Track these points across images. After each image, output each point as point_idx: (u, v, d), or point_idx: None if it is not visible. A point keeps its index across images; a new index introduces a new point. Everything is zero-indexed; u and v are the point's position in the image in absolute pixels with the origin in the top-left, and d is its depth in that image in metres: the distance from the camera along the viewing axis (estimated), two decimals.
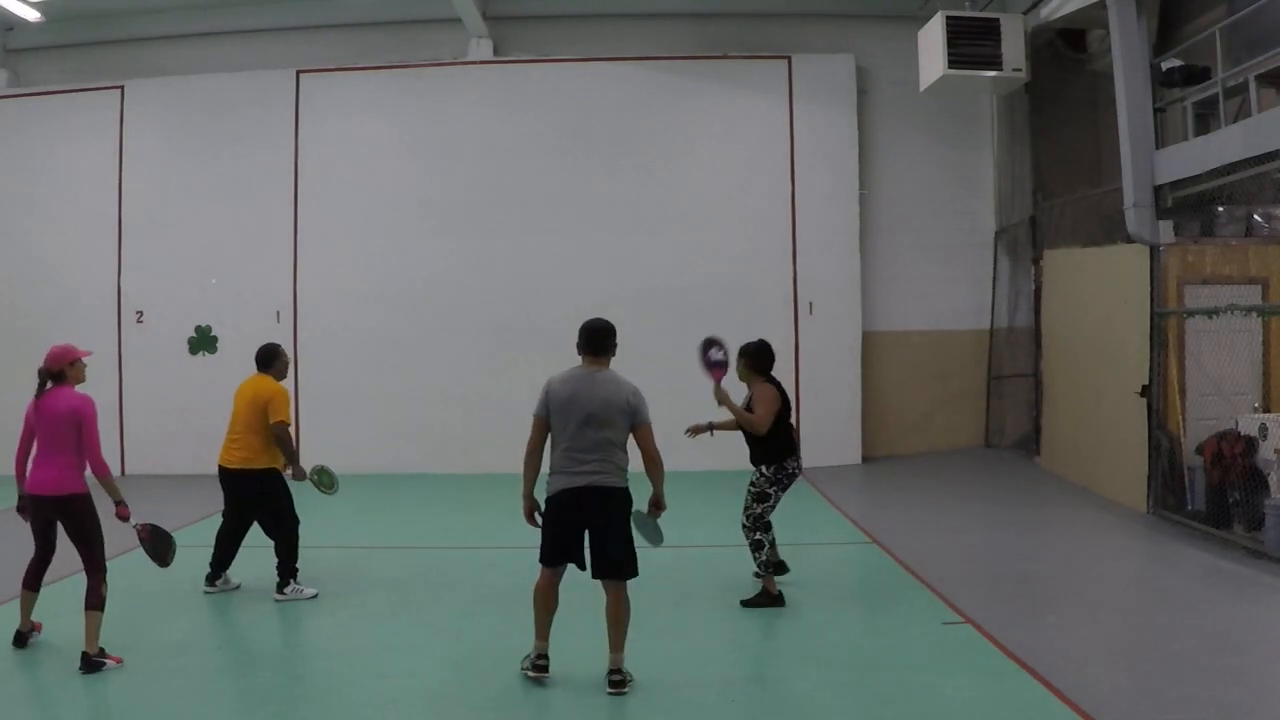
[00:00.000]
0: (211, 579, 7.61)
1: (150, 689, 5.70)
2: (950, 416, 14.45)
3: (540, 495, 5.72)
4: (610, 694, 5.52)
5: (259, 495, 7.47)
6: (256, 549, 7.70)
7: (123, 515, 6.20)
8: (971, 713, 5.24)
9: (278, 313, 13.93)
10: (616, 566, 5.57)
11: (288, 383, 13.73)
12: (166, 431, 13.71)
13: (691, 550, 8.14)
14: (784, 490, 7.30)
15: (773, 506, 7.28)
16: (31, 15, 13.20)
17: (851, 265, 13.95)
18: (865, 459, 13.83)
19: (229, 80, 14.15)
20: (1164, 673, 5.78)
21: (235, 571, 7.72)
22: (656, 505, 5.83)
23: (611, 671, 5.58)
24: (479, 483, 12.33)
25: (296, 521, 7.57)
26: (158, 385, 13.87)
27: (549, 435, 5.62)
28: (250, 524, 7.61)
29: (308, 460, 7.83)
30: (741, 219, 13.83)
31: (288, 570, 7.45)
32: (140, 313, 14.06)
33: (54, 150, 14.19)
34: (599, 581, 5.66)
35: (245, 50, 14.43)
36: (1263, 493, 8.48)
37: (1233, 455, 8.77)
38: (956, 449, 14.31)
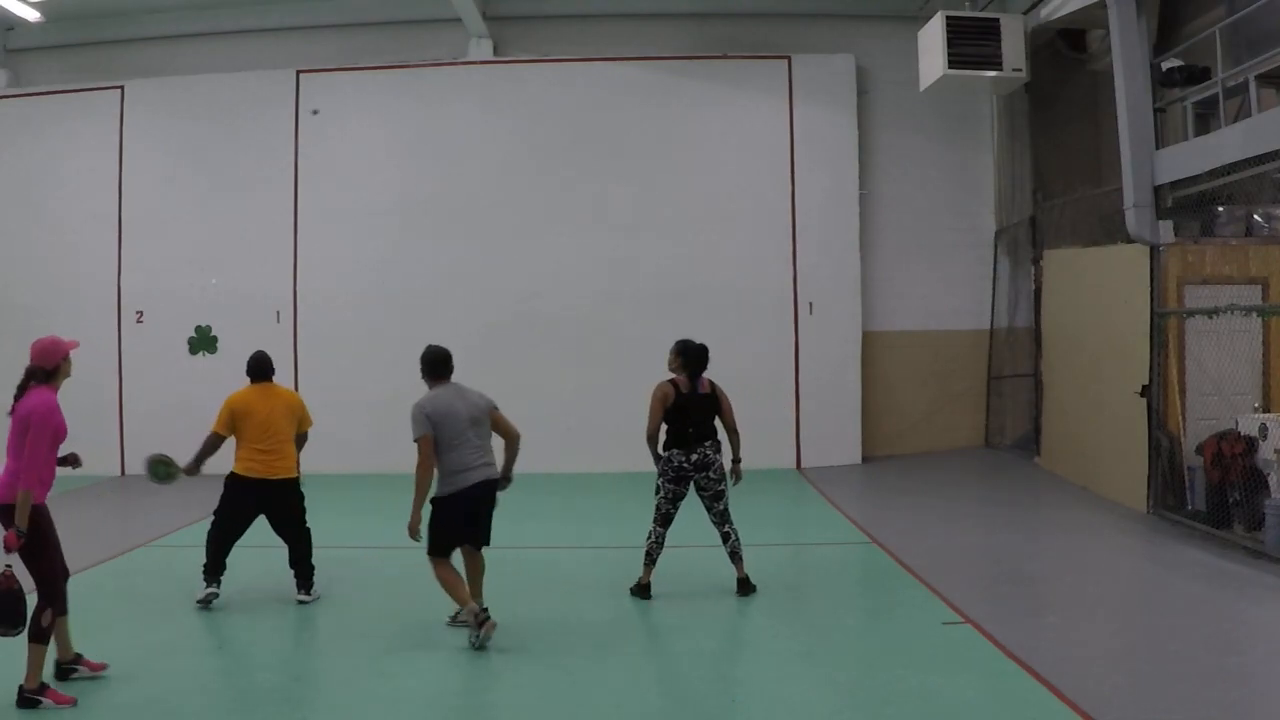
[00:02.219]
0: (213, 581, 7.37)
1: (149, 690, 5.70)
2: (950, 416, 14.45)
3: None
4: (478, 638, 6.15)
5: (297, 504, 7.55)
6: (250, 549, 7.66)
7: (8, 543, 5.30)
8: (971, 713, 5.24)
9: (278, 313, 13.93)
10: (487, 536, 6.65)
11: (287, 383, 13.83)
12: (166, 431, 13.65)
13: (687, 550, 8.14)
14: (670, 482, 7.30)
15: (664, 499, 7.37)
16: (31, 15, 13.20)
17: (851, 265, 13.95)
18: (865, 459, 13.82)
19: (229, 80, 14.15)
20: (1164, 673, 5.78)
21: (230, 573, 7.67)
22: (505, 479, 6.70)
23: (483, 609, 6.31)
24: None
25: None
26: (158, 385, 13.88)
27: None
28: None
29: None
30: (741, 219, 13.83)
31: (311, 570, 7.54)
32: (140, 313, 14.06)
33: (54, 150, 14.18)
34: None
35: (245, 50, 14.43)
36: (1263, 493, 8.47)
37: (1233, 455, 8.77)
38: (956, 449, 14.31)
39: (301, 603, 7.40)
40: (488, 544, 6.66)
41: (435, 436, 6.37)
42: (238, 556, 7.61)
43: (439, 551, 6.48)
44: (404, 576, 8.29)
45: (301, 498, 7.60)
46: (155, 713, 5.39)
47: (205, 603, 7.24)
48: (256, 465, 7.38)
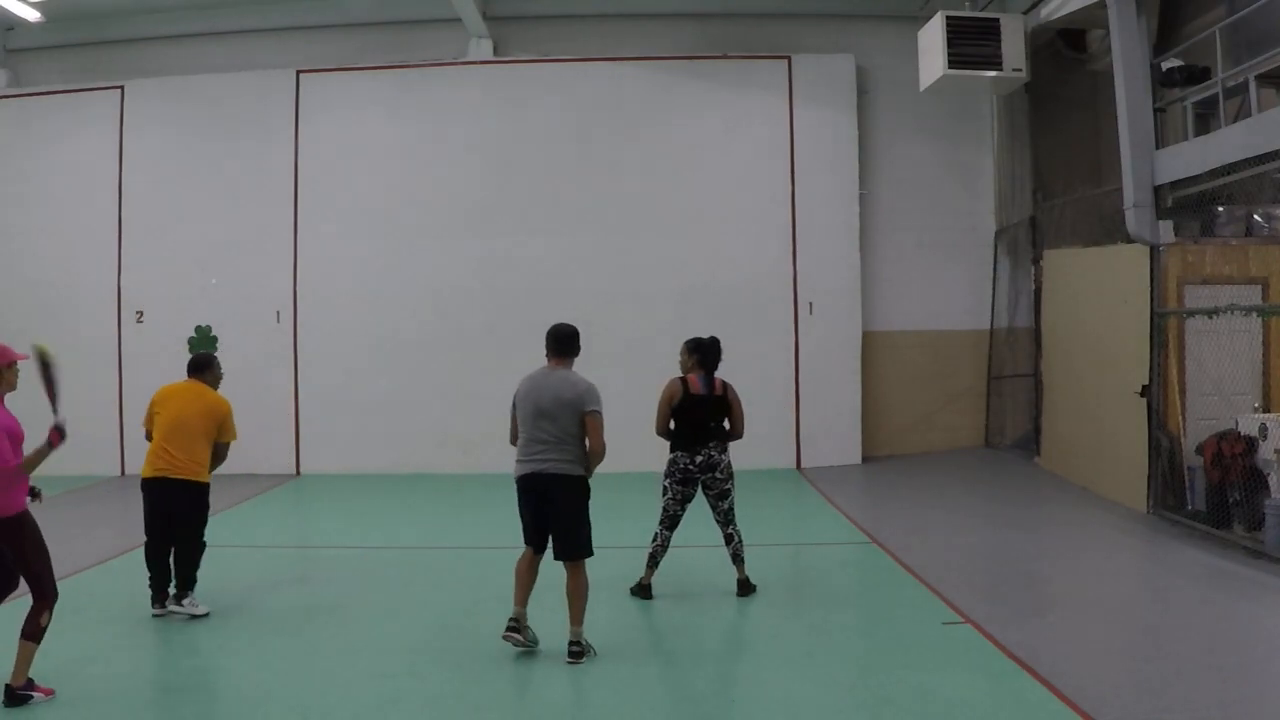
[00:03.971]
0: (159, 600, 7.08)
1: (149, 691, 5.70)
2: (950, 416, 14.45)
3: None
4: (569, 663, 5.93)
5: (195, 509, 7.10)
6: (251, 549, 7.64)
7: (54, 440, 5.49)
8: (971, 713, 5.24)
9: (278, 313, 13.94)
10: (571, 548, 6.12)
11: (287, 383, 13.87)
12: None
13: (689, 551, 8.14)
14: (676, 483, 7.27)
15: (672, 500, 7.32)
16: (31, 15, 13.20)
17: (851, 265, 13.95)
18: (865, 459, 13.82)
19: (229, 80, 14.15)
20: (1164, 673, 5.78)
21: (231, 574, 7.65)
22: None
23: (571, 643, 6.02)
24: (479, 483, 12.33)
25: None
26: (158, 385, 13.77)
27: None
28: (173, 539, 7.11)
29: None
30: (742, 219, 13.83)
31: (191, 581, 7.06)
32: (140, 313, 14.06)
33: (54, 150, 14.19)
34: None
35: (245, 50, 14.43)
36: (1263, 493, 8.48)
37: (1233, 455, 8.77)
38: (956, 449, 14.32)
39: (173, 612, 6.95)
40: (564, 557, 6.10)
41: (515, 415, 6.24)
42: (238, 557, 7.61)
43: (524, 536, 6.26)
44: (403, 576, 8.31)
45: (204, 507, 7.13)
46: (155, 713, 5.39)
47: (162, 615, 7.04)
48: (156, 462, 7.01)
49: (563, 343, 6.28)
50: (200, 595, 7.18)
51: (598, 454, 6.15)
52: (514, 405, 6.24)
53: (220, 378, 7.58)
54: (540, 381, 6.19)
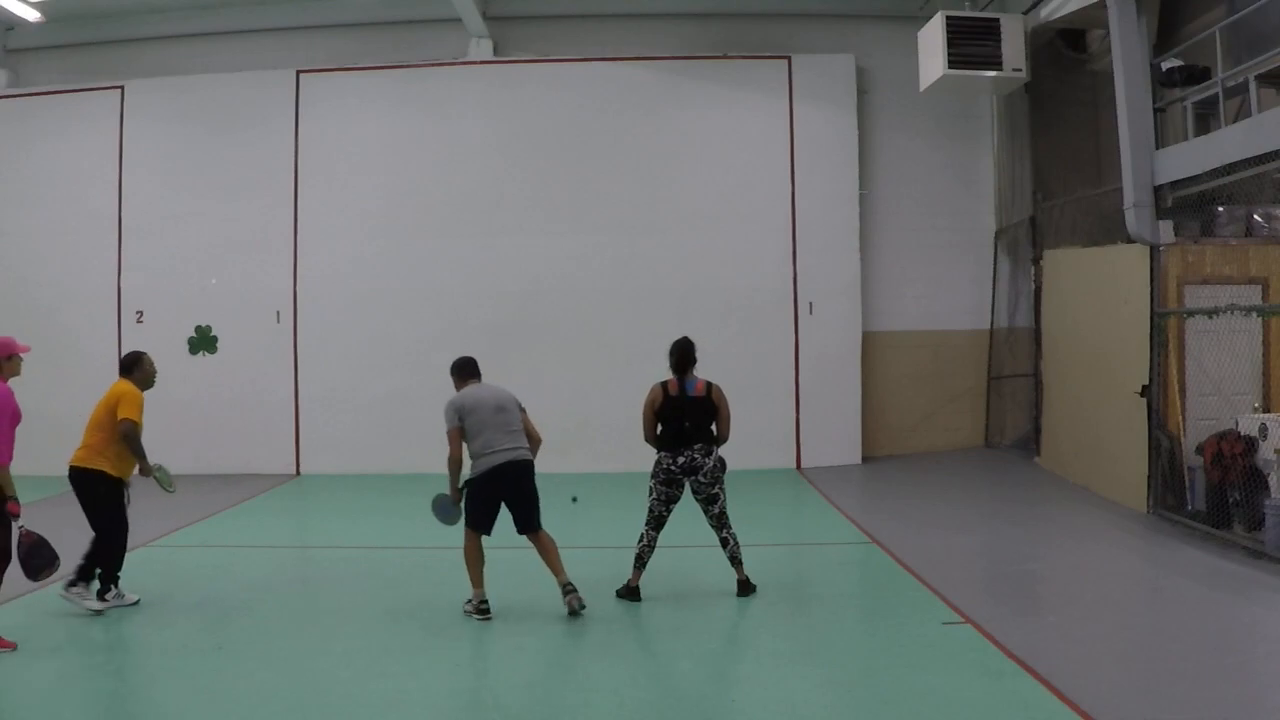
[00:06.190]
0: (101, 592, 7.11)
1: (149, 691, 5.70)
2: (950, 416, 14.45)
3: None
4: (570, 602, 6.74)
5: (81, 495, 7.09)
6: (249, 549, 7.65)
7: (13, 512, 6.19)
8: (971, 713, 5.23)
9: (278, 313, 13.94)
10: (538, 519, 7.06)
11: (287, 383, 13.84)
12: (166, 431, 13.65)
13: (686, 551, 8.14)
14: (661, 484, 7.27)
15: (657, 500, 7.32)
16: (31, 15, 13.21)
17: (851, 265, 13.96)
18: (865, 459, 13.83)
19: (229, 80, 14.16)
20: (1164, 673, 5.78)
21: (233, 574, 7.66)
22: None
23: (567, 584, 6.85)
24: None
25: (114, 532, 7.10)
26: (158, 385, 13.80)
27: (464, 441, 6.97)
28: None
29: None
30: (741, 219, 13.84)
31: (83, 571, 7.02)
32: (140, 313, 14.06)
33: (54, 150, 14.19)
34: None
35: (245, 50, 14.44)
36: (1263, 493, 8.47)
37: (1233, 455, 8.76)
38: (956, 449, 14.32)
39: (60, 596, 6.94)
40: (537, 528, 6.99)
41: (464, 426, 6.92)
42: (238, 557, 7.60)
43: (471, 525, 6.96)
44: (403, 576, 8.31)
45: (89, 492, 7.06)
46: (156, 713, 5.39)
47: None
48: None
49: (472, 367, 7.32)
50: (201, 594, 7.17)
51: (539, 439, 7.19)
52: (459, 421, 6.92)
53: (151, 375, 7.61)
54: (483, 391, 7.13)
